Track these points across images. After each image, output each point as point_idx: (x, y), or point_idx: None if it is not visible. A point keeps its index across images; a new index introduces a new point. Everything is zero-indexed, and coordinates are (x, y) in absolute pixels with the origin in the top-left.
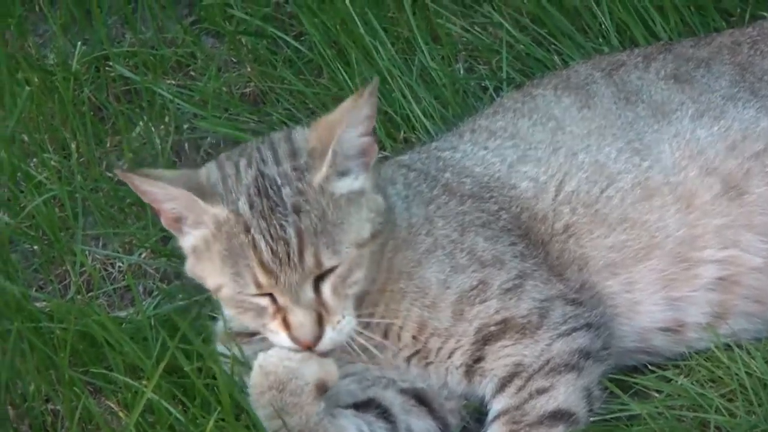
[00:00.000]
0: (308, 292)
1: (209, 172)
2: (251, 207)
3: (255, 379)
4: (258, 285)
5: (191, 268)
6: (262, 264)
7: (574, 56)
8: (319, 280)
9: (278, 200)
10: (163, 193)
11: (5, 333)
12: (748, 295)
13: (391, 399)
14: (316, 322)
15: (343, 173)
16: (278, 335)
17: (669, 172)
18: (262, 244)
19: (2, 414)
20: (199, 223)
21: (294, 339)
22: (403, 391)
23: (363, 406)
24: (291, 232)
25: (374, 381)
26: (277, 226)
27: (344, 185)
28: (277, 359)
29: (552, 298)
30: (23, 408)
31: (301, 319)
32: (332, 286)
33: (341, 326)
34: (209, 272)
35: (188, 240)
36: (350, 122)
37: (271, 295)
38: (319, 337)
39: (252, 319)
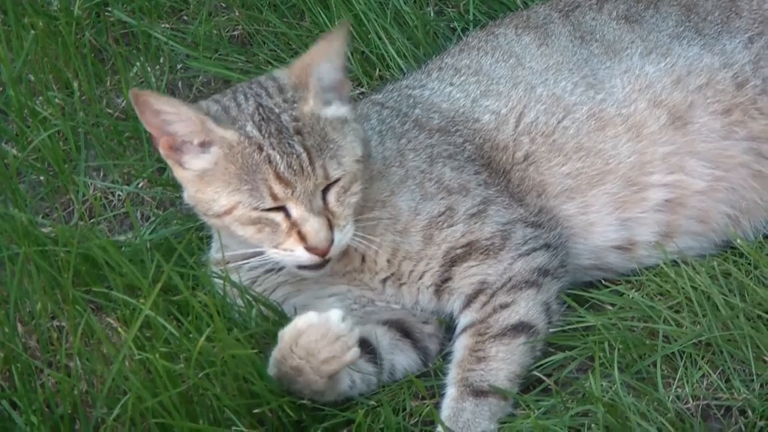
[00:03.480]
0: (319, 201)
1: (208, 105)
2: (259, 130)
3: (287, 342)
4: (274, 197)
5: (194, 194)
6: (278, 176)
7: None
8: (324, 191)
9: (280, 125)
10: (175, 113)
11: (14, 256)
12: (693, 215)
13: (380, 336)
14: (327, 228)
15: (325, 103)
16: (293, 253)
17: (620, 105)
18: (278, 158)
19: (12, 330)
20: (207, 145)
21: (310, 248)
22: (388, 323)
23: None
24: (299, 148)
25: (355, 299)
26: (287, 145)
27: (330, 112)
28: (315, 338)
29: (513, 221)
30: (31, 325)
31: (317, 226)
32: (336, 195)
33: (346, 230)
34: (222, 193)
35: (196, 164)
36: (326, 57)
37: (284, 211)
38: (331, 241)
39: (267, 237)
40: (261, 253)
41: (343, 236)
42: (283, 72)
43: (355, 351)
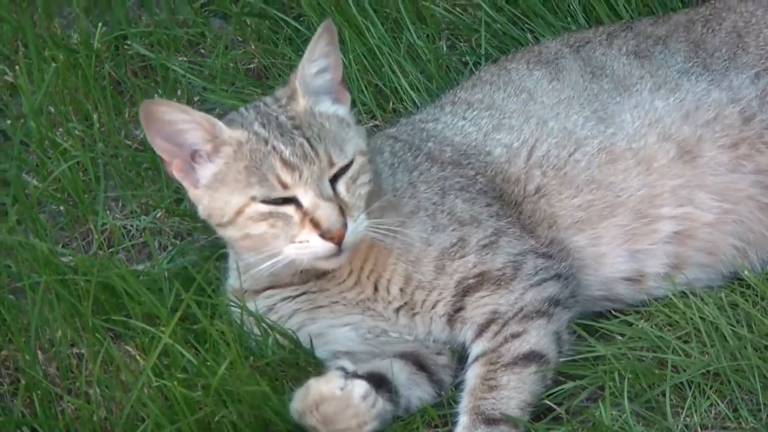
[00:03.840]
0: (328, 189)
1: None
2: (263, 127)
3: (310, 401)
4: (282, 184)
5: (208, 205)
6: (285, 162)
7: (545, 34)
8: (333, 182)
9: (279, 123)
10: (187, 119)
11: (35, 285)
12: (701, 247)
13: (397, 372)
14: (340, 213)
15: (317, 101)
16: (308, 242)
17: (631, 139)
18: (282, 147)
19: (33, 357)
20: (218, 149)
21: (325, 233)
22: (404, 357)
23: (373, 380)
24: (300, 139)
25: (369, 329)
26: (288, 137)
27: (323, 108)
28: (335, 410)
29: (524, 252)
30: (51, 352)
31: (329, 211)
32: (346, 185)
33: (359, 221)
34: (234, 192)
35: (208, 172)
36: (308, 59)
37: (295, 203)
38: (345, 226)
39: (281, 232)
40: (278, 254)
41: (357, 225)
42: (279, 89)
43: (372, 425)
